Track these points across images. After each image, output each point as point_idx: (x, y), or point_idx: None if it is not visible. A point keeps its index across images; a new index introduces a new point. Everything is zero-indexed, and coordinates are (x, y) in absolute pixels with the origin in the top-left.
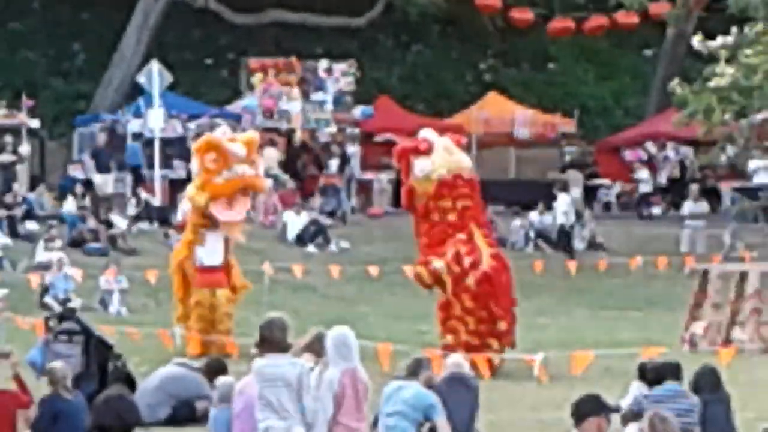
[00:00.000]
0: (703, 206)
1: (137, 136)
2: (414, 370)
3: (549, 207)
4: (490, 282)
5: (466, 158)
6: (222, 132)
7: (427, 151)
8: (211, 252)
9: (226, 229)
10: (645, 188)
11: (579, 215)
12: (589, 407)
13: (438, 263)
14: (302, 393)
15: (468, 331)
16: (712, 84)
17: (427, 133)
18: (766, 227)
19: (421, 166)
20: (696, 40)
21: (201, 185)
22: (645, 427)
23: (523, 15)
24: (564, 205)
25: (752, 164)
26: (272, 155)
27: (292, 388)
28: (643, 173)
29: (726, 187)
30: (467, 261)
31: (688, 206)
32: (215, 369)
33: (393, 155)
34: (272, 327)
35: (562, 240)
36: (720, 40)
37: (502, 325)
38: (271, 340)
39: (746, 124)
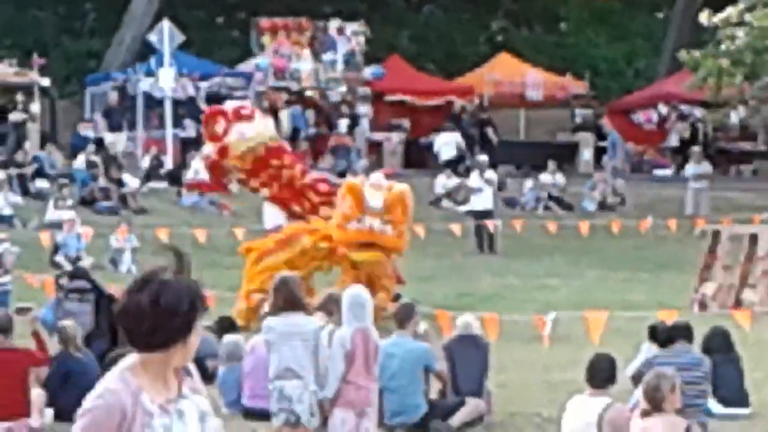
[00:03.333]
0: (706, 167)
1: (148, 95)
2: (403, 319)
3: (560, 168)
4: None
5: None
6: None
7: (249, 118)
8: None
9: None
10: None
11: (588, 176)
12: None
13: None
14: (318, 350)
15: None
16: (723, 47)
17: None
18: None
19: (242, 129)
20: (703, 16)
21: (335, 225)
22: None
23: None
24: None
25: None
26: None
27: (308, 345)
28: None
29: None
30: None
31: (690, 168)
32: (225, 327)
33: (206, 116)
34: (291, 285)
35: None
36: (727, 10)
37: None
38: (292, 299)
39: (759, 85)
